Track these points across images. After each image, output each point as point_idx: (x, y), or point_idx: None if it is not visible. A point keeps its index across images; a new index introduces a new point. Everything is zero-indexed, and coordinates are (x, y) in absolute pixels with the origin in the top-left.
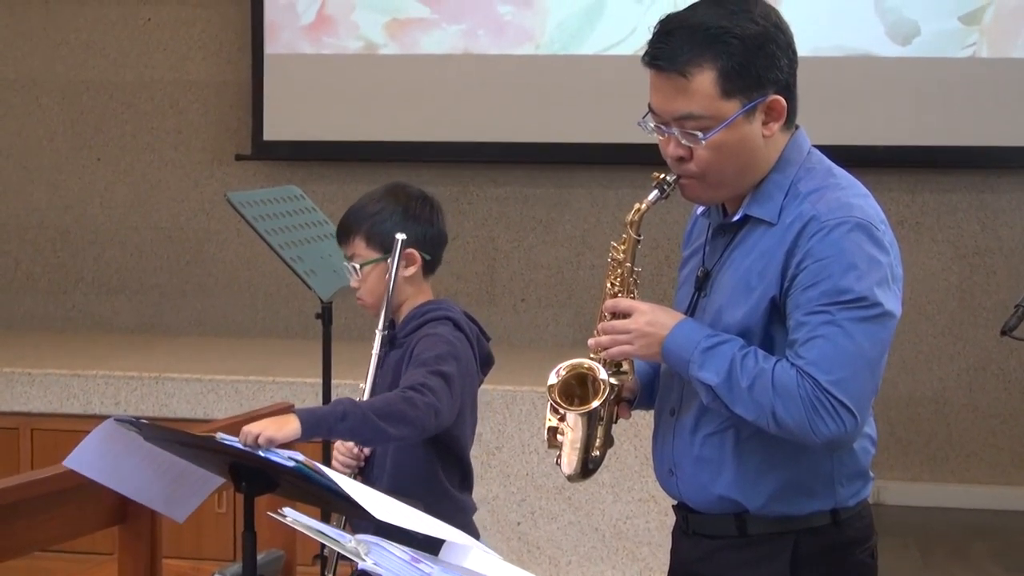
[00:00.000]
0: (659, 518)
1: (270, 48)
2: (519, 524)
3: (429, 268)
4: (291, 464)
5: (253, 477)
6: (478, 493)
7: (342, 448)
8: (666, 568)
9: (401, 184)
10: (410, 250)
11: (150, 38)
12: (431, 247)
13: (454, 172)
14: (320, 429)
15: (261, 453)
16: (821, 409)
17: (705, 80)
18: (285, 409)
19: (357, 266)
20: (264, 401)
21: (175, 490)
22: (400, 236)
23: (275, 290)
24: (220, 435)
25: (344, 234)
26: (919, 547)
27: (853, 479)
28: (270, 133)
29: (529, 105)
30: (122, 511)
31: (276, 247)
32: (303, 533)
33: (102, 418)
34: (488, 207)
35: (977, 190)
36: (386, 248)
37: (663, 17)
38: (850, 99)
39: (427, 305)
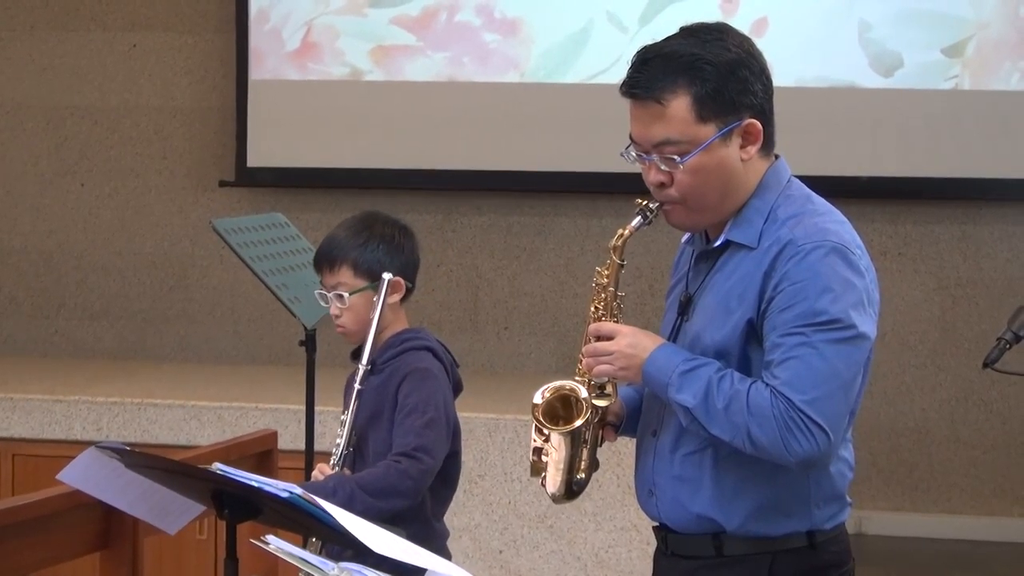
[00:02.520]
0: (641, 547)
1: (255, 74)
2: (501, 552)
3: (407, 295)
4: (285, 495)
5: (236, 504)
6: (460, 521)
7: (326, 471)
8: None
9: (377, 213)
10: (397, 279)
11: (135, 64)
12: (412, 275)
13: (438, 200)
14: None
15: (255, 484)
16: (795, 428)
17: (680, 106)
18: (269, 436)
19: (345, 294)
20: (247, 427)
21: (164, 507)
22: (387, 276)
23: (257, 316)
24: (217, 465)
25: (328, 263)
26: None
27: (830, 502)
28: (254, 159)
29: (513, 133)
30: (104, 537)
31: (261, 274)
32: (284, 561)
33: (84, 444)
34: (472, 235)
35: (959, 221)
36: (372, 277)
37: (640, 49)
38: (833, 130)
39: (406, 333)
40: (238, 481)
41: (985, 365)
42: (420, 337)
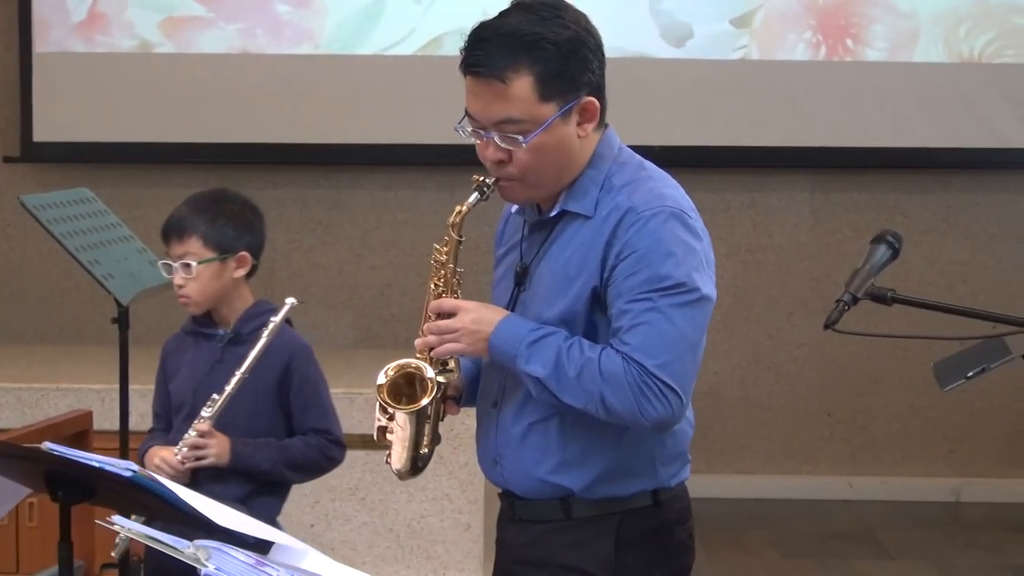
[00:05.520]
0: (453, 516)
1: (39, 47)
2: (313, 526)
3: (252, 271)
4: (128, 474)
5: (70, 486)
6: None
7: (170, 460)
8: (460, 566)
9: (227, 190)
10: (244, 254)
11: None
12: (259, 252)
13: (232, 174)
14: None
15: (95, 464)
16: (648, 392)
17: (523, 85)
18: (84, 416)
19: (193, 263)
20: (48, 408)
21: None
22: (291, 300)
23: (47, 295)
24: (47, 444)
25: (177, 232)
26: (698, 537)
27: (674, 459)
28: (40, 134)
29: (308, 105)
30: None
31: (73, 251)
32: (100, 542)
33: None
34: (267, 208)
35: (748, 189)
36: (221, 249)
37: (476, 25)
38: (626, 100)
39: (261, 305)
40: (77, 461)
41: (826, 326)
42: (274, 308)
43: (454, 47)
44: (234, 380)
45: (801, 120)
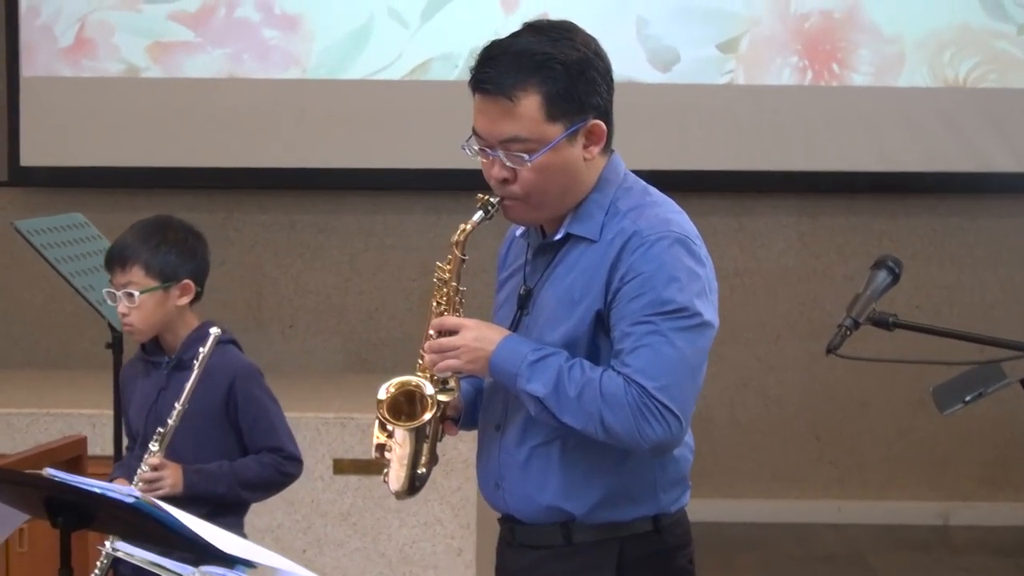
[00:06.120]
0: (445, 541)
1: (27, 71)
2: (304, 552)
3: (197, 297)
4: (130, 500)
5: (69, 512)
6: (262, 522)
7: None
8: None
9: (171, 217)
10: (187, 282)
11: None
12: (202, 280)
13: (219, 198)
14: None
15: (96, 489)
16: (648, 414)
17: (531, 104)
18: (79, 442)
19: (135, 293)
20: (39, 434)
21: None
22: (215, 330)
23: (32, 320)
24: (48, 470)
25: (119, 262)
26: None
27: (675, 485)
28: (28, 159)
29: (295, 130)
30: None
31: (67, 276)
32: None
33: None
34: (255, 233)
35: (735, 213)
36: (163, 278)
37: (487, 44)
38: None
39: (203, 329)
40: (78, 487)
41: (828, 351)
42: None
43: (441, 72)
44: (175, 412)
45: (788, 144)
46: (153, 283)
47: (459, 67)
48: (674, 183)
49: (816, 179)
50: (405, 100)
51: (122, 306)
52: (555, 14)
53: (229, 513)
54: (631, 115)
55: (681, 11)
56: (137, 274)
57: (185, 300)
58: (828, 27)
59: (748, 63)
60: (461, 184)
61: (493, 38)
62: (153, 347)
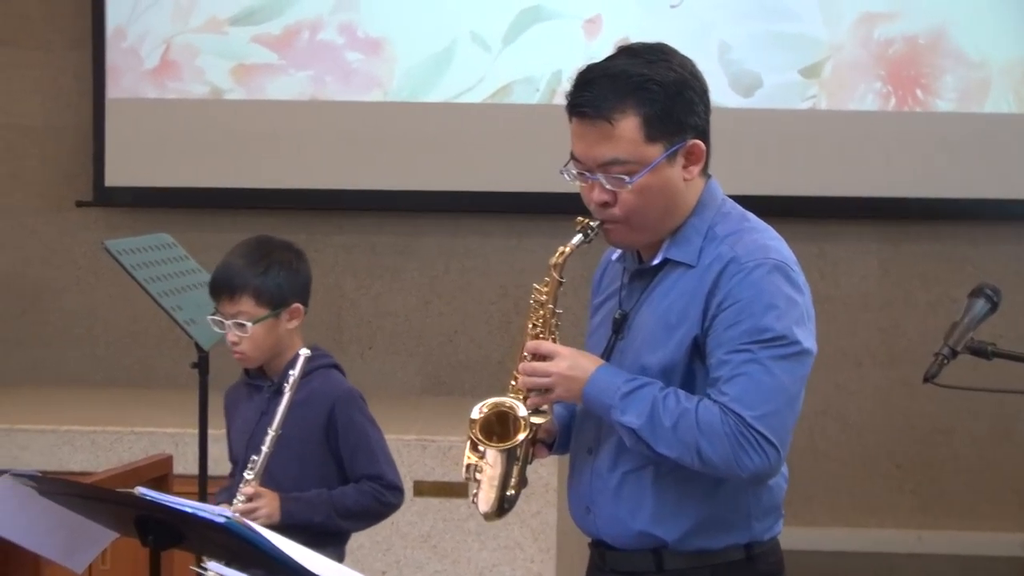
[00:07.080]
0: (525, 565)
1: (112, 93)
2: (384, 573)
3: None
4: (221, 521)
5: (160, 531)
6: None
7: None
8: None
9: (270, 238)
10: (297, 305)
11: None
12: (308, 297)
13: (300, 219)
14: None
15: (188, 509)
16: (746, 444)
17: (629, 125)
18: (164, 461)
19: (248, 324)
20: (123, 452)
21: (72, 541)
22: (304, 351)
23: (115, 339)
24: (140, 489)
25: (228, 292)
26: None
27: (768, 513)
28: (112, 179)
29: (376, 152)
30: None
31: (156, 296)
32: None
33: None
34: (335, 254)
35: (817, 239)
36: (274, 305)
37: (583, 68)
38: None
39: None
40: (169, 507)
41: (926, 380)
42: (322, 354)
43: (522, 96)
44: (268, 438)
45: (870, 170)
46: (263, 311)
47: (540, 91)
48: (755, 208)
49: (898, 205)
50: (486, 123)
51: (232, 335)
52: (637, 38)
53: (329, 543)
54: (714, 140)
55: (763, 36)
56: (247, 303)
57: (295, 323)
58: (912, 53)
59: (831, 88)
60: (541, 208)
61: (575, 63)
62: (256, 371)
